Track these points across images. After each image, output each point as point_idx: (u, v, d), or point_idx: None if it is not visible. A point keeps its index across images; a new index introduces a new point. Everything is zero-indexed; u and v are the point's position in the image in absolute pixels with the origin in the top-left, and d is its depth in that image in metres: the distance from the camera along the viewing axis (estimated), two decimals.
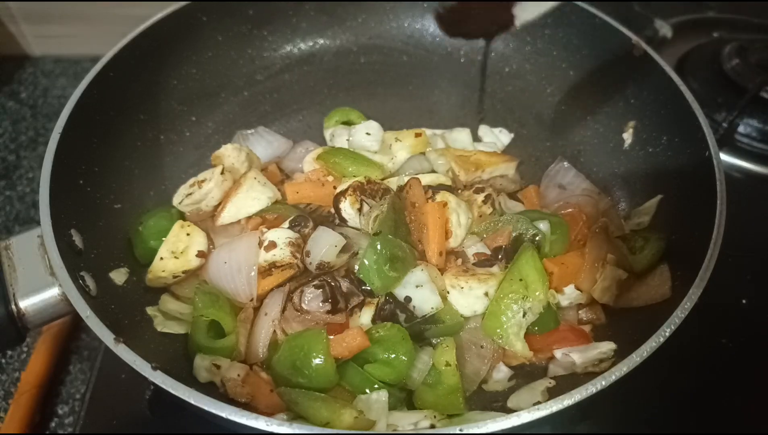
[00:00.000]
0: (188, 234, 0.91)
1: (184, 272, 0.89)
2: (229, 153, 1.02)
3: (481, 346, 0.84)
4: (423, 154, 1.07)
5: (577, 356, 0.81)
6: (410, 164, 1.05)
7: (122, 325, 0.76)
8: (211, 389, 0.78)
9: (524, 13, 0.73)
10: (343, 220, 0.93)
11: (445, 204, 0.92)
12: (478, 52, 1.23)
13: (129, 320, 0.81)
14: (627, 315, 0.86)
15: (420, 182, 0.94)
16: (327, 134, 1.14)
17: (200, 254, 0.89)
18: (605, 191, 1.03)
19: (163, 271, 0.87)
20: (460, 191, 1.00)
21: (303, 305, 0.82)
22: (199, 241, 0.91)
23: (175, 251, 0.89)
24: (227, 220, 0.95)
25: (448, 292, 0.86)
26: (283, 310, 0.84)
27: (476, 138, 1.15)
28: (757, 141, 1.18)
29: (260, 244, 0.88)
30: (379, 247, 0.84)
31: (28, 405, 0.99)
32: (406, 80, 1.25)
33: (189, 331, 0.84)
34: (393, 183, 0.99)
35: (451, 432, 0.61)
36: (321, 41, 1.24)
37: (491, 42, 1.17)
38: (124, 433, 0.90)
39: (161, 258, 0.88)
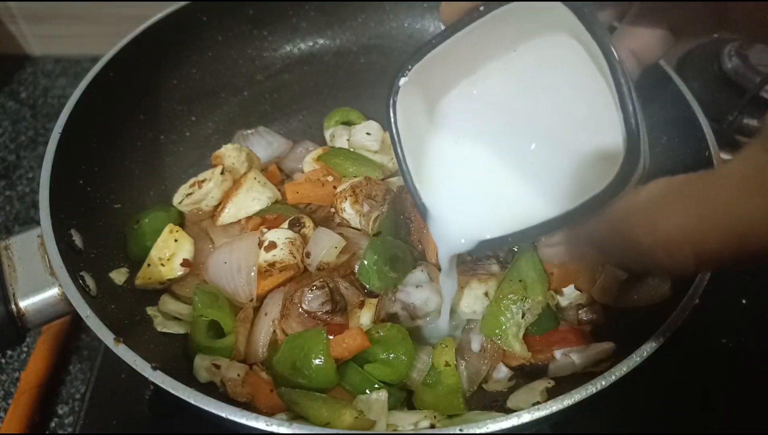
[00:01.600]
0: (176, 240, 0.90)
1: (169, 280, 0.88)
2: (229, 153, 1.02)
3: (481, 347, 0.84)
4: None
5: (577, 356, 0.81)
6: None
7: (122, 325, 0.76)
8: (211, 389, 0.78)
9: None
10: (344, 221, 0.93)
11: None
12: None
13: (129, 320, 0.81)
14: (627, 315, 0.85)
15: None
16: (327, 134, 1.14)
17: (185, 263, 0.88)
18: None
19: (150, 278, 0.87)
20: None
21: (303, 306, 0.82)
22: (185, 248, 0.89)
23: (162, 258, 0.88)
24: (227, 220, 0.95)
25: None
26: (283, 310, 0.84)
27: None
28: None
29: (260, 244, 0.88)
30: (378, 248, 0.84)
31: (27, 405, 0.99)
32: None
33: (189, 331, 0.84)
34: (393, 183, 0.99)
35: (451, 432, 0.61)
36: (321, 41, 1.24)
37: None
38: (124, 433, 0.90)
39: (148, 264, 0.88)
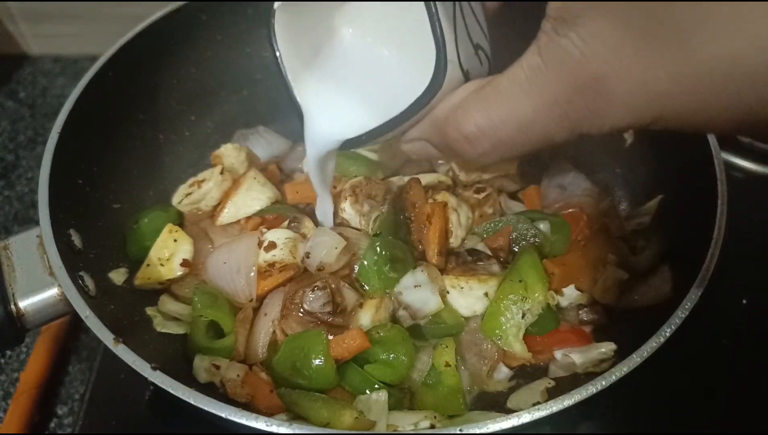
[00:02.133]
0: (175, 240, 0.89)
1: (168, 280, 0.88)
2: (228, 152, 1.02)
3: (482, 347, 0.84)
4: None
5: (578, 357, 0.80)
6: (410, 164, 1.04)
7: (122, 326, 0.75)
8: (210, 390, 0.78)
9: None
10: (344, 221, 0.93)
11: (445, 204, 0.91)
12: None
13: (128, 320, 0.81)
14: (628, 315, 0.85)
15: (420, 182, 0.94)
16: None
17: (184, 263, 0.88)
18: (606, 191, 1.03)
19: (149, 278, 0.87)
20: (460, 191, 1.00)
21: (305, 306, 0.81)
22: (184, 248, 0.89)
23: (161, 258, 0.88)
24: (227, 220, 0.95)
25: (448, 292, 0.86)
26: (283, 310, 0.84)
27: None
28: (757, 140, 1.18)
29: (260, 244, 0.88)
30: (378, 248, 0.84)
31: (27, 405, 0.99)
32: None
33: (188, 331, 0.84)
34: (393, 183, 0.99)
35: (451, 432, 0.61)
36: None
37: None
38: (124, 433, 0.90)
39: (147, 265, 0.87)
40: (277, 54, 0.72)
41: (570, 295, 0.87)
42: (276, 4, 0.70)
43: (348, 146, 0.70)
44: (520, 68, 0.50)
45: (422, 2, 0.55)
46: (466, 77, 0.59)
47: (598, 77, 0.45)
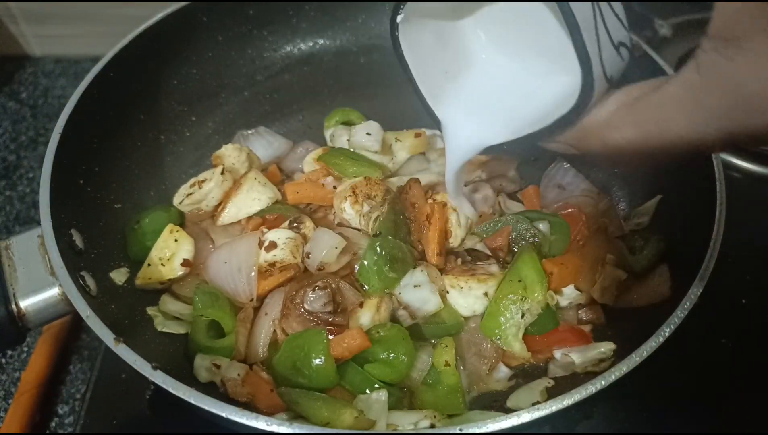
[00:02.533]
0: (176, 240, 0.89)
1: (169, 280, 0.88)
2: (229, 153, 1.02)
3: (481, 346, 0.84)
4: (423, 154, 1.07)
5: (577, 356, 0.81)
6: (410, 164, 1.05)
7: (122, 325, 0.76)
8: (211, 389, 0.78)
9: None
10: (344, 221, 0.93)
11: (444, 204, 0.92)
12: None
13: (129, 320, 0.81)
14: (627, 315, 0.86)
15: (420, 182, 0.94)
16: (327, 134, 1.14)
17: (185, 263, 0.88)
18: (605, 191, 1.03)
19: (150, 278, 0.87)
20: None
21: (306, 306, 0.82)
22: (185, 248, 0.89)
23: (162, 258, 0.88)
24: (227, 220, 0.96)
25: (448, 292, 0.86)
26: (284, 309, 0.84)
27: None
28: None
29: (260, 244, 0.88)
30: (378, 248, 0.84)
31: (28, 405, 0.99)
32: (406, 80, 1.24)
33: (189, 331, 0.85)
34: (393, 183, 0.99)
35: (451, 432, 0.61)
36: (321, 41, 1.24)
37: None
38: (125, 433, 0.91)
39: (148, 264, 0.88)
40: (406, 67, 0.72)
41: (569, 294, 0.87)
42: (399, 17, 0.68)
43: (488, 152, 0.72)
44: (677, 85, 0.51)
45: (562, 18, 0.54)
46: (610, 83, 0.59)
47: (759, 95, 0.46)
